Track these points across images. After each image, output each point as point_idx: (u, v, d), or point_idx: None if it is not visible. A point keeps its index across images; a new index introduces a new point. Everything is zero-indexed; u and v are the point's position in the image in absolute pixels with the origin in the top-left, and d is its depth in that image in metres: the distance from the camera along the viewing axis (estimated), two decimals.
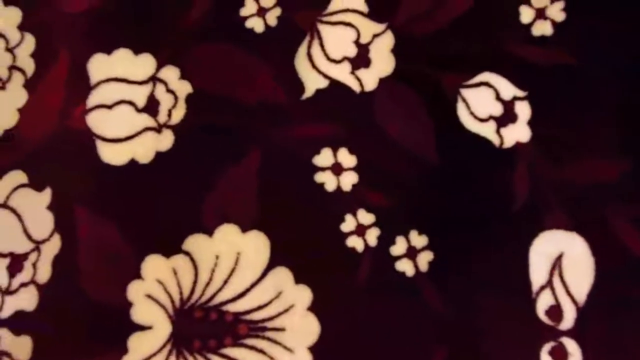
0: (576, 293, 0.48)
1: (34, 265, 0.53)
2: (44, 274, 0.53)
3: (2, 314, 0.52)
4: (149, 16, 0.60)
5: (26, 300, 0.52)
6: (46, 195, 0.55)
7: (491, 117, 0.53)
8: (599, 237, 0.49)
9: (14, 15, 0.61)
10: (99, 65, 0.59)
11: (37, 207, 0.54)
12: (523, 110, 0.53)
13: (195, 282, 0.51)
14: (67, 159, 0.56)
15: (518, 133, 0.52)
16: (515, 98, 0.53)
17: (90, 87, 0.58)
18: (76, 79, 0.58)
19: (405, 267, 0.50)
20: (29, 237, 0.54)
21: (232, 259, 0.51)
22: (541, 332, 0.48)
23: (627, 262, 0.48)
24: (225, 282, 0.51)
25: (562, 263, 0.49)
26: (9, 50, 0.60)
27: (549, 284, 0.48)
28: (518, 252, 0.49)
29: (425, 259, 0.50)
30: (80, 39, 0.60)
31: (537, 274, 0.49)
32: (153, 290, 0.51)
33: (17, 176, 0.56)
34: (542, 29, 0.55)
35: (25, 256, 0.53)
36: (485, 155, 0.52)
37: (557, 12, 0.55)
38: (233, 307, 0.50)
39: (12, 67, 0.60)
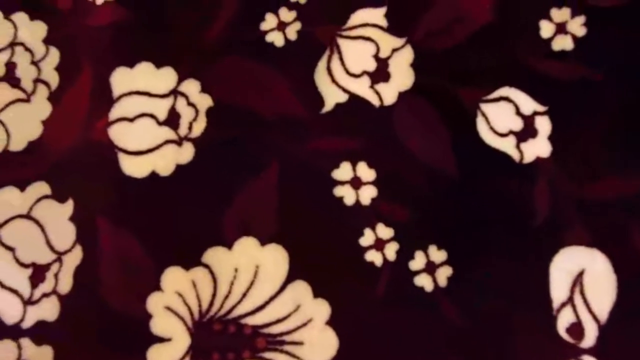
0: (598, 310, 0.47)
1: (56, 276, 0.54)
2: (66, 284, 0.53)
3: (24, 324, 0.53)
4: (171, 30, 0.61)
5: (48, 310, 0.53)
6: (69, 206, 0.55)
7: (511, 132, 0.53)
8: (620, 254, 0.48)
9: (40, 29, 0.63)
10: (121, 79, 0.59)
11: (59, 218, 0.55)
12: (543, 125, 0.53)
13: (214, 295, 0.51)
14: (89, 171, 0.57)
15: (538, 148, 0.52)
16: (536, 113, 0.53)
17: (112, 100, 0.59)
18: (99, 92, 0.59)
19: (424, 282, 0.50)
20: (52, 248, 0.55)
21: (251, 272, 0.52)
22: (562, 350, 0.47)
23: None
24: (244, 295, 0.51)
25: (583, 280, 0.48)
26: (34, 63, 0.61)
27: (570, 300, 0.48)
28: (538, 269, 0.49)
29: (444, 274, 0.50)
30: (103, 52, 0.61)
31: (558, 290, 0.48)
32: (172, 302, 0.51)
33: (41, 187, 0.57)
34: (563, 43, 0.55)
35: (47, 267, 0.54)
36: (505, 170, 0.52)
37: (578, 27, 0.55)
38: (252, 320, 0.50)
39: (37, 80, 0.61)
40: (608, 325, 0.47)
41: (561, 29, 0.55)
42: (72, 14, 0.63)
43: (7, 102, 0.60)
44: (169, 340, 0.51)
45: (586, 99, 0.53)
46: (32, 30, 0.63)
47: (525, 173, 0.52)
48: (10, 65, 0.61)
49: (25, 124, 0.59)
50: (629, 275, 0.48)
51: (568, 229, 0.50)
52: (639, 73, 0.53)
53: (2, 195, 0.57)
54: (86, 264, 0.54)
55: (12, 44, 0.62)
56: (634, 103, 0.52)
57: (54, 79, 0.61)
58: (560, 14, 0.56)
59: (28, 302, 0.53)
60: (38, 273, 0.54)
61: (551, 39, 0.55)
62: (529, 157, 0.52)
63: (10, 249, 0.55)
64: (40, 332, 0.53)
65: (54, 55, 0.61)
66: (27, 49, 0.62)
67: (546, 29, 0.55)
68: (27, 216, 0.56)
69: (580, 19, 0.55)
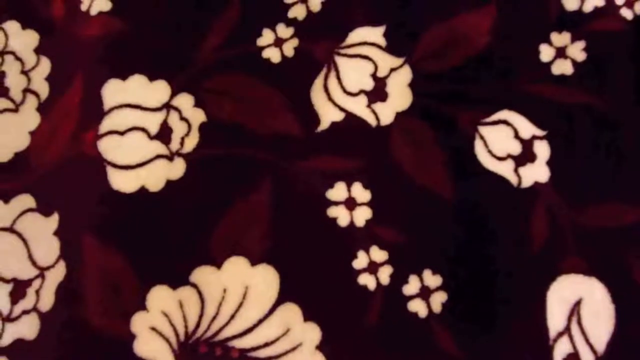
0: (595, 341, 0.46)
1: (37, 292, 0.52)
2: (47, 301, 0.51)
3: (2, 342, 0.51)
4: (165, 43, 0.60)
5: (27, 328, 0.51)
6: (54, 220, 0.54)
7: (509, 156, 0.52)
8: (619, 283, 0.47)
9: (31, 38, 0.62)
10: (113, 91, 0.58)
11: (43, 232, 0.54)
12: (542, 149, 0.52)
13: (201, 316, 0.50)
14: (76, 185, 0.55)
15: (537, 173, 0.51)
16: (535, 137, 0.52)
17: (103, 112, 0.57)
18: (90, 104, 0.58)
19: (418, 307, 0.49)
20: (34, 263, 0.53)
21: (240, 293, 0.50)
22: None
23: None
24: (232, 316, 0.49)
25: (580, 309, 0.47)
26: (24, 73, 0.60)
27: (567, 330, 0.47)
28: (535, 296, 0.48)
29: (438, 300, 0.49)
30: (95, 63, 0.60)
31: (555, 319, 0.47)
32: (158, 322, 0.50)
33: (26, 200, 0.55)
34: (563, 68, 0.54)
35: (28, 283, 0.52)
36: (503, 195, 0.51)
37: (577, 52, 0.54)
38: (239, 343, 0.49)
39: (27, 90, 0.59)
40: (606, 356, 0.46)
41: (561, 53, 0.55)
42: (65, 23, 0.62)
43: None
44: None
45: (586, 123, 0.52)
46: (24, 39, 0.61)
47: (523, 198, 0.51)
48: (0, 74, 0.60)
49: (13, 134, 0.58)
50: (628, 305, 0.47)
51: (566, 256, 0.49)
52: (638, 99, 0.52)
53: None
54: (69, 281, 0.52)
55: (2, 53, 0.61)
56: (634, 130, 0.51)
57: (44, 90, 0.59)
58: (560, 39, 0.55)
59: (7, 319, 0.51)
60: (19, 289, 0.52)
61: (551, 63, 0.55)
62: (527, 182, 0.51)
63: None
64: (18, 351, 0.51)
65: (45, 65, 0.60)
66: (18, 58, 0.61)
67: (546, 53, 0.55)
68: (10, 229, 0.54)
69: (581, 44, 0.55)
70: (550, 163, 0.52)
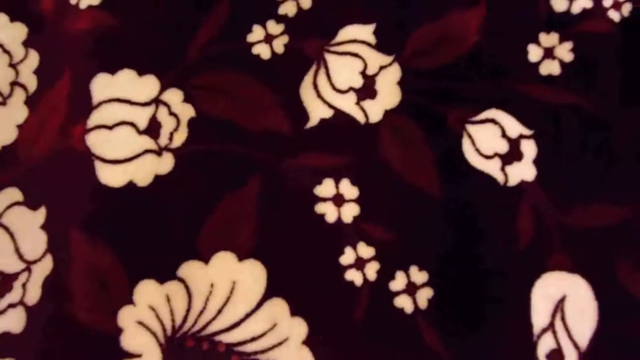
0: (578, 337, 0.47)
1: (24, 286, 0.52)
2: (34, 295, 0.51)
3: None
4: (155, 38, 0.60)
5: (13, 321, 0.51)
6: (41, 214, 0.54)
7: (496, 155, 0.53)
8: (602, 281, 0.48)
9: (19, 31, 0.61)
10: (101, 85, 0.58)
11: (30, 226, 0.53)
12: (529, 148, 0.53)
13: (188, 310, 0.50)
14: (64, 179, 0.55)
15: (523, 171, 0.52)
16: (522, 136, 0.53)
17: (91, 106, 0.57)
18: (78, 97, 0.58)
19: (404, 303, 0.49)
20: (21, 256, 0.53)
21: (227, 287, 0.50)
22: None
23: (631, 307, 0.47)
24: (219, 311, 0.50)
25: (564, 306, 0.48)
26: (12, 66, 0.60)
27: (551, 326, 0.47)
28: (520, 293, 0.48)
29: (424, 296, 0.49)
30: (84, 57, 0.59)
31: (539, 316, 0.48)
32: (144, 316, 0.50)
33: (13, 193, 0.55)
34: (550, 68, 0.55)
35: (15, 276, 0.52)
36: (489, 193, 0.52)
37: (565, 52, 0.55)
38: (226, 338, 0.49)
39: (14, 83, 0.59)
40: (588, 352, 0.47)
41: (549, 53, 0.55)
42: (54, 17, 0.61)
43: None
44: (139, 356, 0.49)
45: (573, 124, 0.53)
46: (12, 32, 0.61)
47: (509, 196, 0.51)
48: None
49: (0, 127, 0.57)
50: (611, 302, 0.47)
51: (551, 254, 0.49)
52: (626, 99, 0.53)
53: None
54: (56, 275, 0.52)
55: None
56: (621, 130, 0.52)
57: (32, 83, 0.59)
58: (548, 39, 0.56)
59: None
60: (5, 282, 0.52)
61: (539, 63, 0.55)
62: (513, 180, 0.52)
63: None
64: (4, 344, 0.50)
65: (34, 58, 0.60)
66: (6, 51, 0.60)
67: (534, 53, 0.55)
68: None
69: (569, 45, 0.55)
70: (537, 162, 0.52)
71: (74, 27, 0.60)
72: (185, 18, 0.60)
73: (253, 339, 0.49)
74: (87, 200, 0.54)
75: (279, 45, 0.58)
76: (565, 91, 0.54)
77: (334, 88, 0.56)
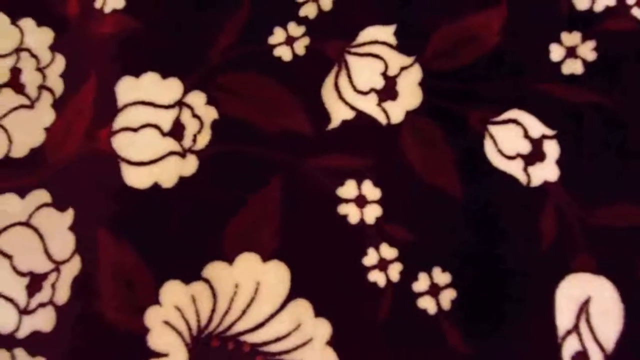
0: (604, 339, 0.47)
1: (53, 285, 0.53)
2: (63, 295, 0.52)
3: (19, 334, 0.52)
4: (178, 41, 0.61)
5: (43, 320, 0.52)
6: (69, 215, 0.55)
7: (519, 155, 0.53)
8: (628, 282, 0.48)
9: (46, 35, 0.62)
10: (126, 88, 0.59)
11: (59, 227, 0.54)
12: (552, 149, 0.52)
13: (213, 311, 0.50)
14: (91, 180, 0.56)
15: (546, 172, 0.52)
16: (544, 136, 0.53)
17: (117, 109, 0.58)
18: (104, 100, 0.59)
19: (427, 304, 0.49)
20: (50, 257, 0.54)
21: (251, 288, 0.51)
22: None
23: None
24: (244, 311, 0.50)
25: (589, 308, 0.48)
26: (40, 70, 0.61)
27: (576, 328, 0.47)
28: (544, 294, 0.48)
29: (447, 297, 0.49)
30: (109, 61, 0.60)
31: (564, 317, 0.48)
32: (171, 316, 0.51)
33: (41, 195, 0.56)
34: (573, 67, 0.54)
35: (44, 276, 0.53)
36: (512, 193, 0.52)
37: (588, 51, 0.55)
38: (251, 338, 0.49)
39: (42, 87, 0.60)
40: (614, 354, 0.46)
41: (571, 52, 0.55)
42: (79, 21, 0.62)
43: (10, 108, 0.60)
44: (165, 355, 0.50)
45: (595, 123, 0.53)
46: (39, 37, 0.62)
47: (532, 197, 0.51)
48: (15, 71, 0.61)
49: (28, 130, 0.59)
50: (637, 304, 0.47)
51: (575, 255, 0.49)
52: None
53: (1, 202, 0.56)
54: (84, 275, 0.53)
55: (18, 50, 0.62)
56: None
57: (58, 86, 0.60)
58: (570, 38, 0.55)
59: (24, 311, 0.52)
60: (35, 282, 0.53)
61: (561, 62, 0.55)
62: (536, 181, 0.52)
63: (8, 256, 0.54)
64: (34, 343, 0.51)
65: (60, 62, 0.61)
66: (33, 55, 0.61)
67: (556, 52, 0.55)
68: (26, 224, 0.55)
69: (591, 44, 0.55)
70: (559, 162, 0.52)
71: (99, 31, 0.61)
72: (207, 22, 0.60)
73: (277, 340, 0.49)
74: (114, 202, 0.55)
75: (300, 47, 0.59)
76: (587, 90, 0.54)
77: (355, 89, 0.56)
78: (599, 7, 0.56)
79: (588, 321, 0.47)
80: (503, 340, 0.48)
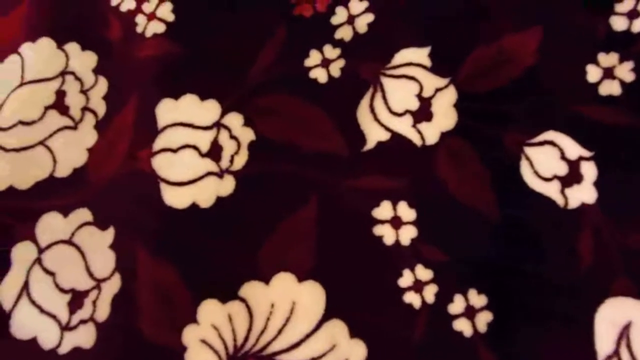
0: None
1: (94, 303, 0.54)
2: (103, 312, 0.54)
3: (61, 350, 0.53)
4: (216, 64, 0.62)
5: (84, 337, 0.53)
6: (109, 234, 0.56)
7: (555, 177, 0.52)
8: None
9: (90, 59, 0.65)
10: (166, 110, 0.61)
11: (100, 245, 0.56)
12: (589, 170, 0.52)
13: (249, 330, 0.51)
14: (131, 200, 0.57)
15: (584, 194, 0.51)
16: (581, 158, 0.52)
17: (157, 130, 0.60)
18: (144, 122, 0.60)
19: (463, 326, 0.49)
20: (91, 274, 0.55)
21: (287, 308, 0.51)
22: None
23: None
24: (280, 331, 0.51)
25: (630, 332, 0.47)
26: (83, 92, 0.63)
27: (616, 354, 0.46)
28: (583, 319, 0.48)
29: (484, 320, 0.49)
30: (150, 83, 0.62)
31: (603, 343, 0.47)
32: (208, 335, 0.51)
33: (83, 214, 0.57)
34: (610, 88, 0.54)
35: (86, 293, 0.55)
36: (549, 216, 0.51)
37: (626, 72, 0.54)
38: (286, 358, 0.50)
39: (85, 109, 0.62)
40: None
41: (609, 73, 0.55)
42: (122, 45, 0.64)
43: (55, 129, 0.62)
44: None
45: (633, 145, 0.52)
46: (83, 60, 0.65)
47: (569, 219, 0.51)
48: (60, 94, 0.63)
49: (72, 151, 0.61)
50: None
51: (614, 278, 0.48)
52: None
53: (45, 220, 0.58)
54: (124, 293, 0.54)
55: (63, 73, 0.64)
56: None
57: (101, 108, 0.62)
58: (607, 59, 0.55)
59: (65, 327, 0.54)
60: (76, 299, 0.55)
61: (598, 83, 0.54)
62: (573, 203, 0.51)
63: (51, 273, 0.56)
64: (76, 359, 0.53)
65: (102, 84, 0.63)
66: (77, 78, 0.64)
67: (593, 73, 0.55)
68: (69, 242, 0.57)
69: (629, 64, 0.54)
70: (597, 184, 0.51)
71: (141, 55, 0.63)
72: (244, 45, 0.62)
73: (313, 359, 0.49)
74: (153, 221, 0.56)
75: (336, 69, 0.60)
76: (625, 112, 0.53)
77: (390, 111, 0.57)
78: (636, 28, 0.56)
79: (629, 346, 0.46)
80: None
